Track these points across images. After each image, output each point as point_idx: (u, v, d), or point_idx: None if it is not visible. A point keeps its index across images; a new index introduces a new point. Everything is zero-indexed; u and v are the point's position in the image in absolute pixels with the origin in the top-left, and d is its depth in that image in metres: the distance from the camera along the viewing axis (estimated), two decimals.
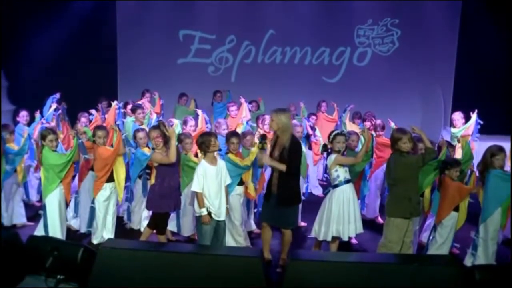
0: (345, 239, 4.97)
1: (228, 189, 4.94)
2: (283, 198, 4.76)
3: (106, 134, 5.45)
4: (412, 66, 10.37)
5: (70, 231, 5.66)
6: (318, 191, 7.64)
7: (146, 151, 5.44)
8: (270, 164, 4.81)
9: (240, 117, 7.64)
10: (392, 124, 6.42)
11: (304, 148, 6.24)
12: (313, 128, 7.34)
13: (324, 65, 10.85)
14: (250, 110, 7.96)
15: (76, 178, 5.87)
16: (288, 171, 4.71)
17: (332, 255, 4.45)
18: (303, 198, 6.38)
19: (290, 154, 4.68)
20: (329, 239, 4.94)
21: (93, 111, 7.23)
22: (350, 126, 7.55)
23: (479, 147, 6.21)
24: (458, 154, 5.99)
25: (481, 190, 4.94)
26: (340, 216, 4.87)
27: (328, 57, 10.85)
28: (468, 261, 4.93)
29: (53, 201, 5.14)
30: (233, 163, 5.18)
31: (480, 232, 4.88)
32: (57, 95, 7.42)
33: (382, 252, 4.61)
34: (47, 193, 5.13)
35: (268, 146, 4.93)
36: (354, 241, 5.61)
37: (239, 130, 6.39)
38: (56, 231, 5.13)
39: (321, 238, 5.01)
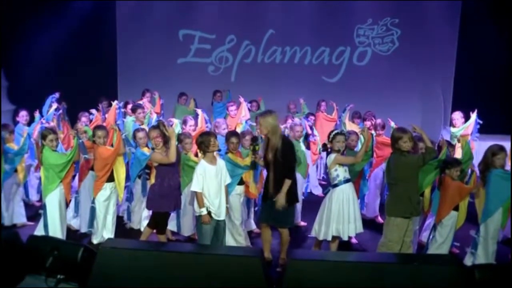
0: (345, 238, 4.98)
1: (228, 189, 4.95)
2: None
3: (106, 134, 5.45)
4: (412, 65, 10.35)
5: (70, 231, 5.66)
6: (318, 191, 7.64)
7: (146, 151, 5.44)
8: (284, 196, 4.72)
9: (239, 116, 7.65)
10: (392, 124, 6.42)
11: (303, 147, 6.24)
12: (311, 128, 7.34)
13: (324, 65, 10.84)
14: (249, 110, 7.96)
15: (76, 178, 5.86)
16: (288, 176, 4.72)
17: (332, 254, 4.44)
18: (303, 197, 6.43)
19: (284, 156, 4.69)
20: (329, 238, 4.95)
21: (93, 110, 7.23)
22: (350, 126, 7.55)
23: (479, 147, 6.21)
24: (458, 154, 5.98)
25: (482, 190, 4.94)
26: (340, 215, 4.88)
27: (328, 56, 10.83)
28: (468, 261, 4.93)
29: (53, 201, 5.14)
30: (233, 162, 5.19)
31: (481, 231, 4.87)
32: (56, 95, 7.42)
33: (382, 252, 4.61)
34: (47, 192, 5.13)
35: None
36: (354, 240, 5.62)
37: (239, 130, 6.39)
38: (56, 231, 5.13)
39: (321, 237, 5.02)
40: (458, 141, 5.92)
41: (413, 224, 4.76)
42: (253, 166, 5.00)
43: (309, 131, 7.14)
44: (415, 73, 10.33)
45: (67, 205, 5.47)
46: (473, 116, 7.07)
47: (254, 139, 4.95)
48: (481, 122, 7.08)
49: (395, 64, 10.48)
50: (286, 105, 8.83)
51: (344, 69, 10.81)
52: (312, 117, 7.86)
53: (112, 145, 5.62)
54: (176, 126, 6.21)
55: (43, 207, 5.20)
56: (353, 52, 10.75)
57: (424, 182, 4.96)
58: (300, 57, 10.89)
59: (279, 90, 10.15)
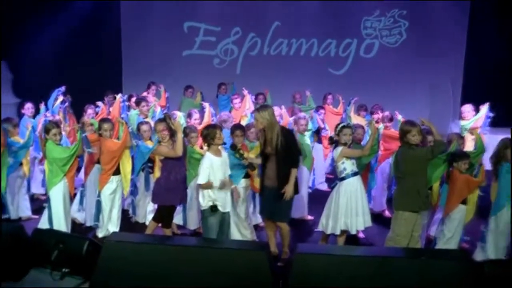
0: (353, 232, 4.98)
1: (234, 182, 4.95)
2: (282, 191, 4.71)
3: (112, 127, 5.46)
4: (420, 57, 10.25)
5: (75, 225, 5.67)
6: (323, 187, 7.58)
7: (149, 144, 5.44)
8: (292, 187, 4.69)
9: (243, 109, 7.63)
10: (400, 117, 6.38)
11: (308, 141, 6.23)
12: (323, 121, 7.30)
13: (330, 57, 10.79)
14: (254, 102, 7.91)
15: (82, 171, 5.86)
16: (294, 165, 4.70)
17: (339, 248, 4.41)
18: (309, 191, 6.41)
19: (286, 147, 4.65)
20: (337, 232, 4.94)
21: (99, 103, 7.23)
22: (355, 119, 7.49)
23: (490, 140, 6.13)
24: (468, 147, 5.93)
25: (494, 183, 4.88)
26: (348, 209, 4.86)
27: (334, 49, 10.79)
28: (477, 255, 4.89)
29: (57, 194, 5.14)
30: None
31: (491, 225, 4.83)
32: (62, 88, 7.41)
33: (389, 246, 4.58)
34: (51, 186, 5.14)
35: (258, 144, 4.94)
36: (361, 235, 5.58)
37: (243, 123, 6.39)
38: (61, 224, 5.14)
39: (329, 231, 5.01)
40: (471, 133, 5.86)
41: (421, 218, 4.72)
42: (251, 166, 4.98)
43: (321, 125, 7.08)
44: (423, 65, 10.23)
45: (71, 198, 5.47)
46: (484, 109, 6.98)
47: (233, 147, 4.91)
48: (492, 115, 7.00)
49: (403, 56, 10.40)
50: (291, 95, 8.77)
51: (351, 61, 10.76)
52: (323, 111, 7.82)
53: (118, 138, 5.61)
54: (179, 119, 6.19)
55: (47, 200, 5.21)
56: (360, 44, 10.70)
57: (433, 176, 4.90)
58: (306, 49, 10.85)
59: (285, 82, 10.10)
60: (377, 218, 6.03)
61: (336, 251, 3.83)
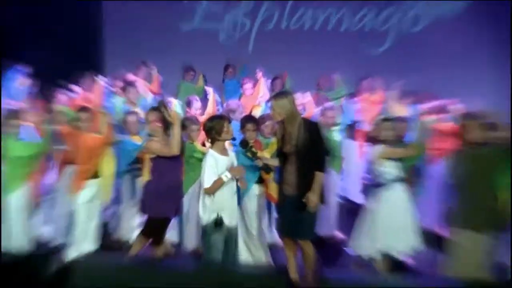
0: (396, 256, 4.93)
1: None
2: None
3: (91, 118, 5.48)
4: (484, 30, 10.07)
5: (39, 242, 5.63)
6: (359, 198, 7.46)
7: (136, 140, 5.49)
8: (317, 195, 4.59)
9: (256, 96, 7.64)
10: (456, 107, 6.33)
11: (336, 137, 6.31)
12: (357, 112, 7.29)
13: (365, 32, 10.72)
14: (270, 88, 7.89)
15: (52, 173, 5.84)
16: (320, 168, 4.61)
17: (376, 278, 4.34)
18: (340, 201, 6.33)
19: (311, 145, 4.57)
20: (374, 255, 4.91)
21: (74, 87, 7.21)
22: (398, 110, 7.38)
23: None
24: None
25: None
26: (390, 225, 4.84)
27: (371, 21, 10.73)
28: None
29: (16, 203, 5.17)
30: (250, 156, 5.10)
31: None
32: (25, 68, 7.37)
33: (446, 276, 4.51)
34: (9, 192, 5.14)
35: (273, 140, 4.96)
36: (407, 260, 5.42)
37: (256, 114, 6.42)
38: (20, 242, 5.13)
39: (363, 254, 4.99)
40: None
41: (490, 239, 4.60)
42: (265, 168, 4.89)
43: (355, 117, 7.02)
44: (488, 40, 10.03)
45: (35, 208, 5.47)
46: None
47: (245, 144, 4.88)
48: None
49: (462, 29, 10.21)
50: (316, 80, 8.68)
51: (393, 37, 10.66)
52: (357, 99, 7.75)
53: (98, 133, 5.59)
54: (176, 108, 6.22)
55: (3, 211, 5.18)
56: (404, 15, 10.60)
57: (504, 184, 4.69)
58: (335, 22, 10.80)
59: (309, 63, 10.00)
60: (429, 238, 5.90)
61: (372, 281, 3.77)
